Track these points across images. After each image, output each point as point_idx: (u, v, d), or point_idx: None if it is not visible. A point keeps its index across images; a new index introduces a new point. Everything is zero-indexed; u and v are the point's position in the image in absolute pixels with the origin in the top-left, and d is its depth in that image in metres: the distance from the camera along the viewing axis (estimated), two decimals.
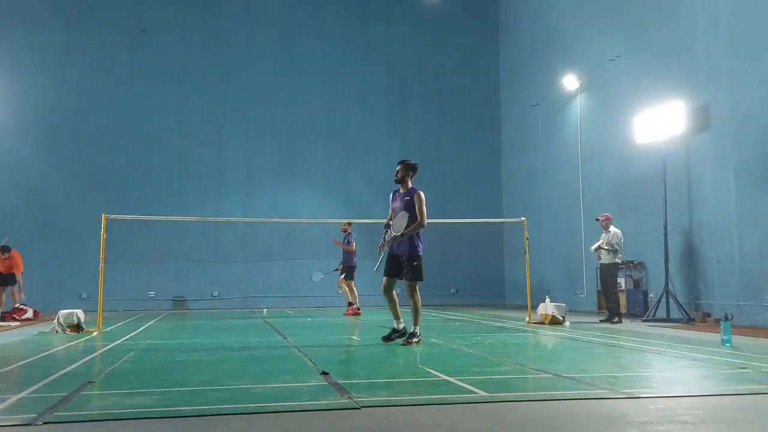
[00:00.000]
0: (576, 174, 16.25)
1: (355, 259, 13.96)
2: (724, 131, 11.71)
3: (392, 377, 5.52)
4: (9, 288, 13.06)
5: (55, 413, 3.96)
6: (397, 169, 8.05)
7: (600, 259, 12.43)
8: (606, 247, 12.16)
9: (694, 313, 11.80)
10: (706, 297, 11.98)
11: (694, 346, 7.62)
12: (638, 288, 13.42)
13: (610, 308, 12.08)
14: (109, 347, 7.89)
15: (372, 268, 8.19)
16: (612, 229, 12.29)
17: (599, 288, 12.93)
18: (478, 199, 19.60)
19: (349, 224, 14.11)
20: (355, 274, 13.99)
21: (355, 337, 9.32)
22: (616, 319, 11.72)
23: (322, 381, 5.15)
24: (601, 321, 12.03)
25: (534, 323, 11.29)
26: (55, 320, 9.81)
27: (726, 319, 7.78)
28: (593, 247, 12.50)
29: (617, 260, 12.24)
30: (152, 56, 18.45)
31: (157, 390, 4.83)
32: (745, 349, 7.37)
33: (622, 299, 13.15)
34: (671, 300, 11.81)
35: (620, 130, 14.34)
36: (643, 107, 13.20)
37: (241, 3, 19.31)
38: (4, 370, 5.93)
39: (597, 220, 12.66)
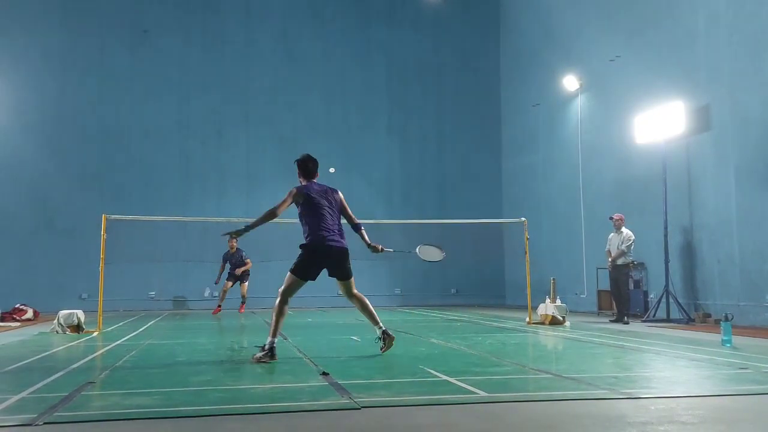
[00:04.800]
0: (576, 174, 16.25)
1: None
2: (725, 131, 11.71)
3: (392, 377, 5.52)
4: None
5: (55, 413, 3.96)
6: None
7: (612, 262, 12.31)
8: (621, 249, 12.08)
9: (694, 314, 11.80)
10: (706, 297, 11.98)
11: (694, 347, 7.62)
12: (638, 288, 13.42)
13: (620, 309, 12.06)
14: (109, 347, 7.89)
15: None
16: (624, 230, 12.27)
17: (610, 288, 12.84)
18: (478, 199, 19.60)
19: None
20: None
21: (355, 338, 9.32)
22: (626, 320, 11.71)
23: (322, 381, 5.15)
24: (611, 321, 12.03)
25: (534, 323, 11.29)
26: (56, 320, 9.82)
27: (726, 319, 7.78)
28: (610, 260, 12.33)
29: (629, 260, 12.24)
30: (153, 56, 18.46)
31: (157, 390, 4.83)
32: (745, 349, 7.37)
33: None
34: (671, 300, 11.81)
35: (620, 130, 14.34)
36: (644, 107, 13.20)
37: (242, 3, 19.32)
38: (5, 370, 5.94)
39: (611, 219, 12.59)
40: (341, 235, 6.80)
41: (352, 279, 6.89)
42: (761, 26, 11.04)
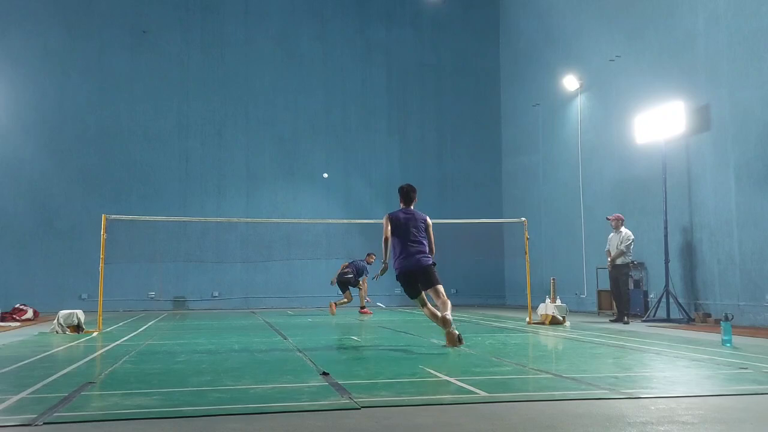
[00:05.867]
0: (576, 174, 16.25)
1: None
2: (725, 131, 11.71)
3: (392, 377, 5.52)
4: None
5: (55, 414, 3.96)
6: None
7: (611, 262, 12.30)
8: (621, 248, 12.06)
9: (694, 314, 11.80)
10: (706, 297, 11.98)
11: (694, 347, 7.62)
12: (638, 288, 13.42)
13: (620, 309, 12.05)
14: (109, 348, 7.89)
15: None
16: (623, 230, 12.26)
17: (610, 288, 12.83)
18: (478, 199, 19.61)
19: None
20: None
21: (355, 338, 9.32)
22: (626, 319, 11.70)
23: (322, 381, 5.14)
24: (611, 321, 12.02)
25: (534, 323, 11.29)
26: (55, 321, 9.81)
27: (726, 319, 7.78)
28: (609, 260, 12.32)
29: (628, 260, 12.23)
30: (153, 56, 18.47)
31: (157, 390, 4.83)
32: (745, 349, 7.37)
33: None
34: (671, 300, 11.81)
35: (620, 130, 14.34)
36: (644, 107, 13.20)
37: (242, 3, 19.32)
38: (5, 370, 5.93)
39: (608, 219, 12.60)
40: (421, 254, 7.57)
41: (438, 286, 7.55)
42: (761, 26, 11.04)
